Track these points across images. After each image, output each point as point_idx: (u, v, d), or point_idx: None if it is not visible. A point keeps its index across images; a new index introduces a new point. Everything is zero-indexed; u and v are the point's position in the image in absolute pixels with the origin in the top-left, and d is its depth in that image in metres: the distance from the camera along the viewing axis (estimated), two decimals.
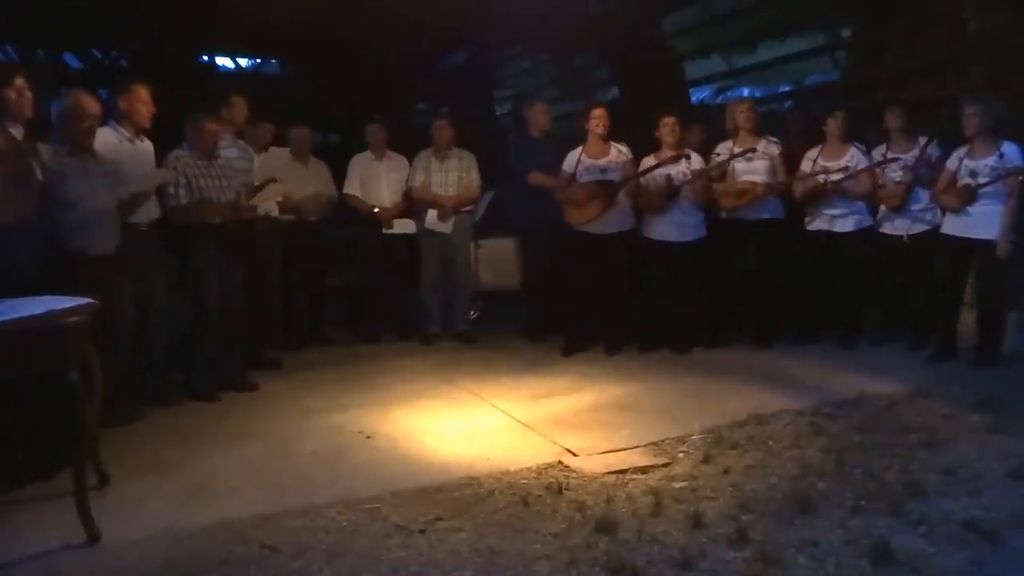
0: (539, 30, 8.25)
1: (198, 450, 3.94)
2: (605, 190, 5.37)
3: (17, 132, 3.73)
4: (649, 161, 5.47)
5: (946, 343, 5.03)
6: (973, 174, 4.78)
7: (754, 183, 5.38)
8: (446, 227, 6.01)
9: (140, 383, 4.55)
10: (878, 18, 7.36)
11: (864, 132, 5.84)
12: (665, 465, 3.55)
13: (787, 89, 10.95)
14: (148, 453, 3.89)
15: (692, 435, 3.90)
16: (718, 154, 5.56)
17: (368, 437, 4.09)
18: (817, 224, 5.47)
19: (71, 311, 3.06)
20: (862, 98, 7.25)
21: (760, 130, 5.58)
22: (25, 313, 2.95)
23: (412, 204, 6.12)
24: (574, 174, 5.51)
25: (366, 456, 3.84)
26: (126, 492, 3.43)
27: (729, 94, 11.64)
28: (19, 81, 3.75)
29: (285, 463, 3.77)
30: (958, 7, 6.40)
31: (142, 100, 4.43)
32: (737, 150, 5.45)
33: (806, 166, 5.47)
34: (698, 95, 11.04)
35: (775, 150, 5.49)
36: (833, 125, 5.44)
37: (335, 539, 2.96)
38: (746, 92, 12.16)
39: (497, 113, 11.90)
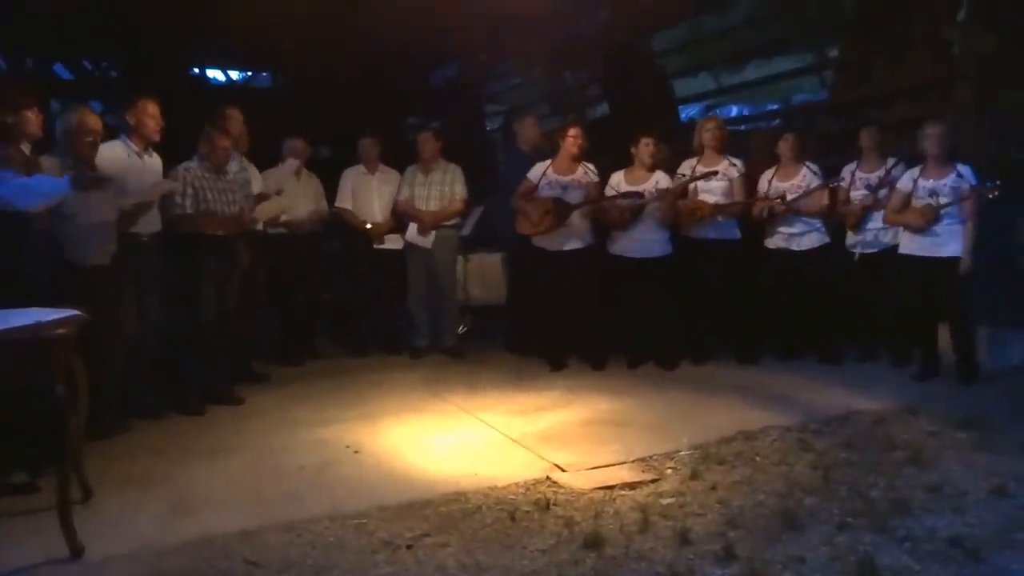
0: (530, 47, 8.30)
1: (183, 464, 3.91)
2: (558, 208, 5.42)
3: (25, 148, 3.93)
4: (618, 179, 5.53)
5: (930, 360, 5.07)
6: (933, 193, 4.88)
7: (704, 204, 5.45)
8: (426, 241, 6.02)
9: (127, 395, 4.53)
10: (865, 39, 7.45)
11: (851, 150, 5.90)
12: (653, 481, 3.55)
13: (775, 107, 11.06)
14: (133, 466, 3.86)
15: (680, 451, 3.90)
16: (682, 175, 5.61)
17: (355, 451, 4.07)
18: (775, 242, 5.56)
19: (58, 323, 3.05)
20: (849, 117, 7.32)
21: (724, 150, 5.65)
22: (11, 325, 2.93)
23: (401, 219, 6.13)
24: (537, 185, 5.55)
25: (353, 470, 3.82)
26: (110, 506, 3.40)
27: (717, 112, 11.75)
28: (35, 109, 3.99)
29: (271, 477, 3.75)
30: (943, 29, 6.49)
31: (150, 114, 4.53)
32: (700, 169, 5.51)
33: (762, 186, 5.58)
34: (687, 112, 11.13)
35: (735, 172, 5.56)
36: (785, 147, 5.56)
37: (321, 554, 2.94)
38: (735, 110, 12.29)
39: (488, 128, 11.94)
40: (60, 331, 3.03)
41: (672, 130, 6.26)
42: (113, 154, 4.37)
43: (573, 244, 5.53)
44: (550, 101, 11.32)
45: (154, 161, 4.64)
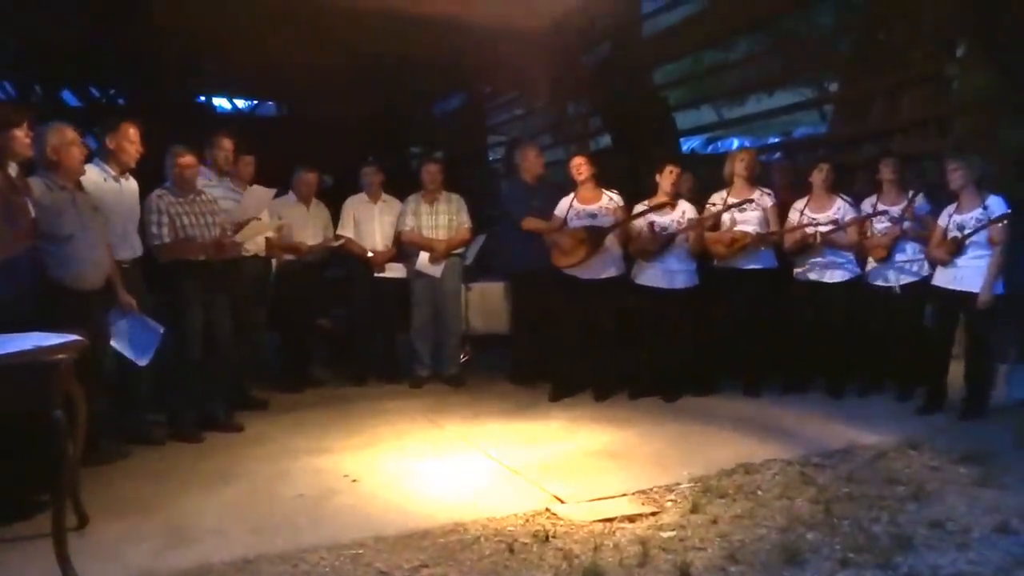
0: (533, 78, 8.40)
1: (180, 491, 3.88)
2: (592, 236, 5.43)
3: (12, 170, 3.79)
4: (641, 207, 5.52)
5: (935, 395, 5.04)
6: (960, 228, 4.85)
7: (745, 233, 5.43)
8: (436, 270, 6.04)
9: (123, 421, 4.51)
10: (865, 74, 7.52)
11: (851, 183, 5.92)
12: (653, 514, 3.52)
13: (776, 140, 11.16)
14: (129, 494, 3.84)
15: (680, 483, 3.87)
16: (713, 204, 5.60)
17: (353, 480, 4.04)
18: (806, 274, 5.52)
19: (57, 348, 3.04)
20: (849, 151, 7.37)
21: (756, 180, 5.64)
22: (12, 349, 2.93)
23: (402, 248, 6.15)
24: (565, 219, 5.57)
25: (351, 500, 3.80)
26: (106, 533, 3.38)
27: (719, 144, 11.87)
28: (24, 126, 3.84)
29: (268, 506, 3.72)
30: (943, 65, 6.57)
31: (130, 139, 4.45)
32: (732, 200, 5.51)
33: (793, 217, 5.53)
34: (688, 144, 11.23)
35: (768, 201, 5.54)
36: (818, 177, 5.51)
37: None
38: (735, 143, 12.40)
39: (490, 158, 12.05)
40: (60, 356, 3.02)
41: (674, 161, 6.28)
42: (88, 178, 4.26)
43: (610, 272, 5.51)
44: (552, 132, 11.41)
45: (130, 185, 4.57)
